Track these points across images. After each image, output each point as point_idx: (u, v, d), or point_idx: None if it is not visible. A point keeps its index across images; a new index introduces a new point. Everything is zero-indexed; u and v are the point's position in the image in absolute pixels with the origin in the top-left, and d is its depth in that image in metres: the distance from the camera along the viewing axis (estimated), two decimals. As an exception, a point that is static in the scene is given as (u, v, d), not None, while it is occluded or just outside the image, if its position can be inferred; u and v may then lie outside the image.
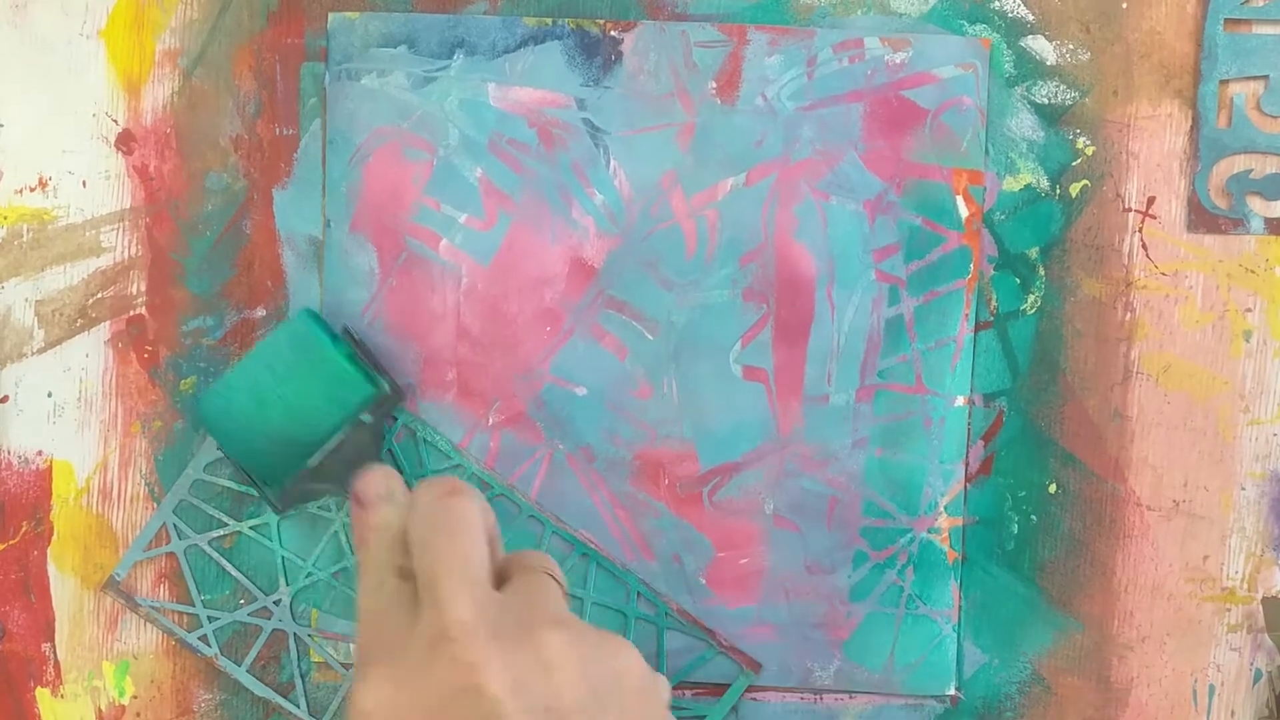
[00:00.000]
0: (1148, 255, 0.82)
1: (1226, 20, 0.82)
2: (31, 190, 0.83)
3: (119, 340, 0.84)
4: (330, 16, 0.82)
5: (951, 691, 0.83)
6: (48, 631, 0.85)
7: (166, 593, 0.85)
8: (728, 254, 0.82)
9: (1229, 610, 0.83)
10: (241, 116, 0.83)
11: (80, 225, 0.83)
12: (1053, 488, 0.83)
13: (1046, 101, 0.82)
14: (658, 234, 0.82)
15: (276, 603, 0.84)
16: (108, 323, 0.84)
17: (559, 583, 0.66)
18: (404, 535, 0.66)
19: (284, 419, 0.76)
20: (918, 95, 0.81)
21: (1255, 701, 0.84)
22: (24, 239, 0.83)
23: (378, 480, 0.71)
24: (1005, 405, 0.83)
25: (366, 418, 0.77)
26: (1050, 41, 0.82)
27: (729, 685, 0.84)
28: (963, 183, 0.81)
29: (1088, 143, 0.82)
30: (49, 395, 0.84)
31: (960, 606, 0.83)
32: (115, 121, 0.83)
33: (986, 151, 0.82)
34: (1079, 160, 0.82)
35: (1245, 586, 0.83)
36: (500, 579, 0.66)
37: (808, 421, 0.82)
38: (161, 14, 0.83)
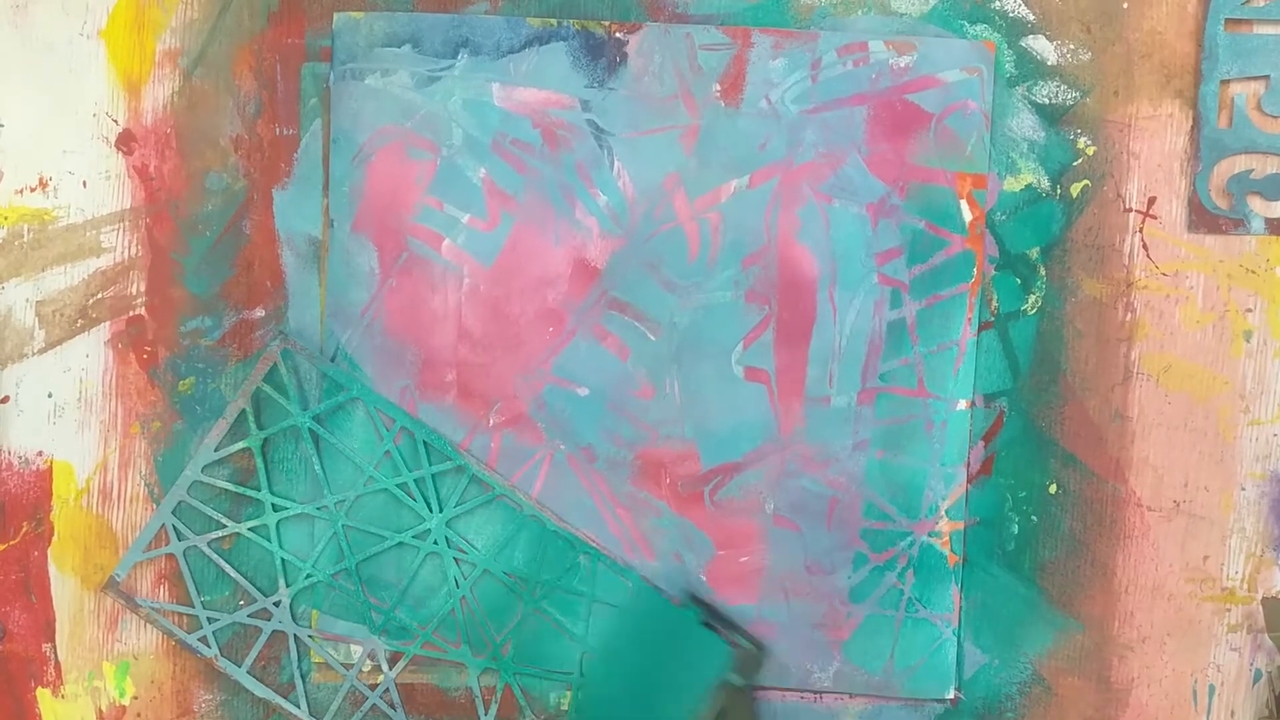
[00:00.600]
0: (1148, 255, 0.82)
1: (1227, 20, 0.81)
2: (32, 190, 0.83)
3: (119, 341, 0.84)
4: (335, 16, 0.82)
5: (951, 695, 0.84)
6: (48, 632, 0.85)
7: (166, 594, 0.85)
8: (730, 256, 0.82)
9: (1229, 610, 0.83)
10: (242, 116, 0.83)
11: (80, 225, 0.83)
12: (1053, 488, 0.83)
13: (1047, 101, 0.82)
14: (661, 235, 0.82)
15: (276, 604, 0.84)
16: (108, 323, 0.84)
17: None
18: None
19: (655, 698, 0.76)
20: (922, 99, 0.81)
21: (1255, 701, 0.84)
22: (24, 239, 0.83)
23: None
24: (1006, 406, 0.83)
25: (735, 679, 0.77)
26: (1051, 41, 0.82)
27: (730, 685, 0.84)
28: (966, 187, 0.81)
29: (1088, 143, 0.82)
30: (49, 396, 0.84)
31: (960, 609, 0.83)
32: (115, 121, 0.83)
33: (990, 155, 0.82)
34: (1080, 160, 0.82)
35: (1245, 587, 0.83)
36: None
37: (809, 423, 0.82)
38: (162, 14, 0.83)
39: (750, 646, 0.79)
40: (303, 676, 0.85)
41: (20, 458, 0.84)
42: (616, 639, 0.79)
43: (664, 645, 0.77)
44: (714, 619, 0.80)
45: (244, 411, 0.83)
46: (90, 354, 0.84)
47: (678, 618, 0.78)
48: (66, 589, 0.85)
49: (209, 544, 0.84)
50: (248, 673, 0.85)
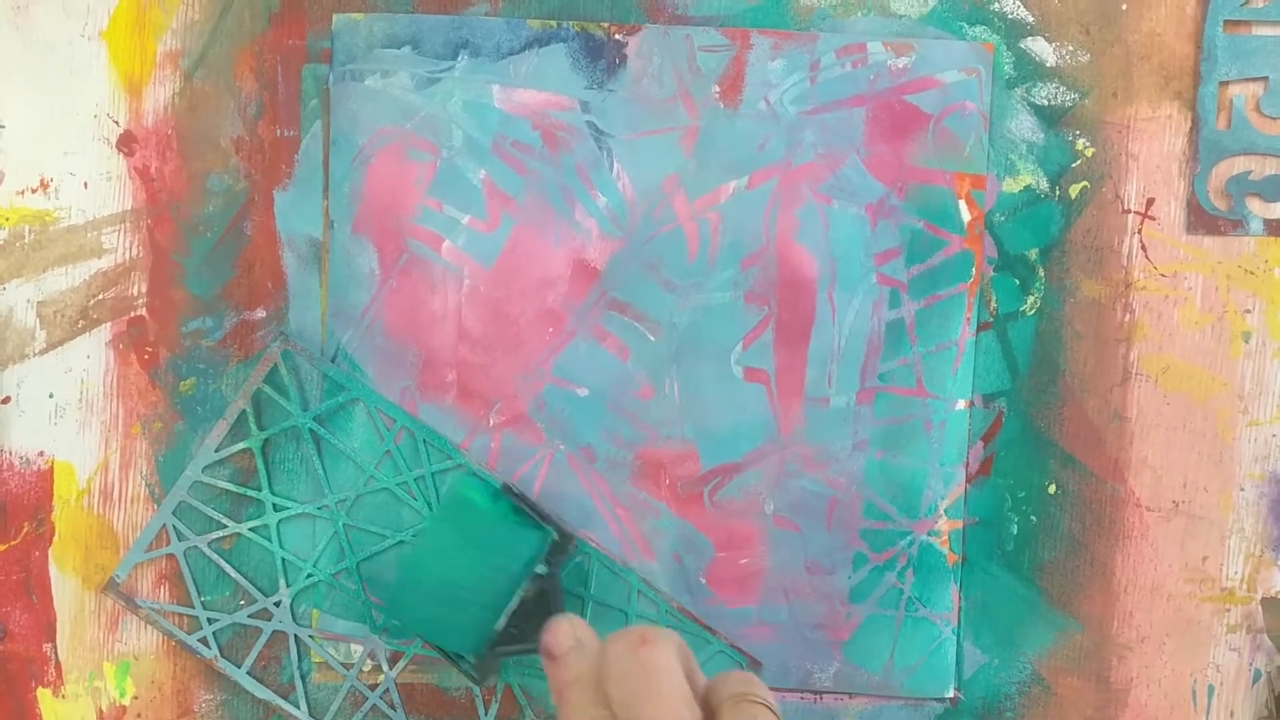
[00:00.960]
0: (1147, 257, 0.82)
1: (1226, 22, 0.82)
2: (33, 191, 0.83)
3: (120, 341, 0.84)
4: (335, 18, 0.82)
5: (951, 694, 0.84)
6: (49, 632, 0.85)
7: (167, 594, 0.85)
8: (729, 256, 0.82)
9: (1228, 611, 0.83)
10: (242, 118, 0.83)
11: (82, 226, 0.83)
12: (1052, 488, 0.83)
13: (1046, 103, 0.82)
14: (660, 236, 0.82)
15: (277, 604, 0.84)
16: (109, 324, 0.84)
17: (770, 707, 0.62)
18: (600, 685, 0.64)
19: (464, 590, 0.75)
20: (920, 100, 0.81)
21: (1255, 702, 0.84)
22: (26, 240, 0.83)
23: (564, 631, 0.69)
24: (1005, 406, 0.83)
25: (542, 569, 0.76)
26: (1050, 43, 0.82)
27: (729, 685, 0.84)
28: (965, 187, 0.81)
29: (1087, 144, 0.82)
30: (50, 396, 0.84)
31: (960, 608, 0.83)
32: (116, 123, 0.83)
33: (989, 156, 0.82)
34: (1078, 162, 0.82)
35: (1244, 587, 0.83)
36: (708, 712, 0.62)
37: (808, 423, 0.82)
38: (163, 15, 0.83)
39: (556, 535, 0.78)
40: (303, 677, 0.85)
41: (21, 458, 0.84)
42: (432, 529, 0.78)
43: (477, 534, 0.76)
44: (526, 508, 0.79)
45: (244, 412, 0.83)
46: (91, 355, 0.84)
47: (490, 508, 0.77)
48: (67, 589, 0.85)
49: (209, 544, 0.84)
50: (248, 673, 0.85)
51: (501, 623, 0.74)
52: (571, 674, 0.67)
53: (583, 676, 0.66)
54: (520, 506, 0.78)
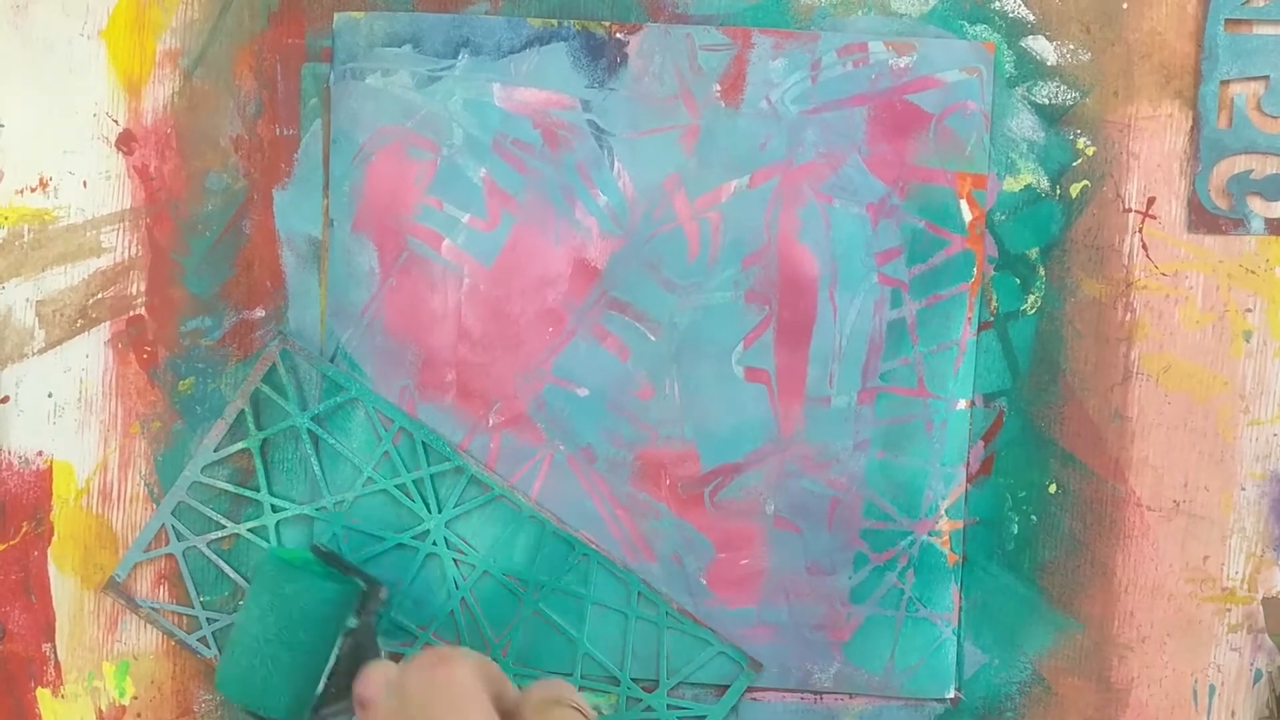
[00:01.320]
0: (1148, 256, 0.82)
1: (1227, 20, 0.81)
2: (32, 190, 0.83)
3: (119, 341, 0.84)
4: (336, 16, 0.82)
5: (951, 694, 0.83)
6: (48, 632, 0.85)
7: (166, 594, 0.85)
8: (730, 256, 0.82)
9: (1229, 610, 0.83)
10: (242, 117, 0.83)
11: (81, 225, 0.83)
12: (1053, 488, 0.83)
13: (1047, 102, 0.82)
14: (661, 235, 0.82)
15: (276, 604, 0.84)
16: (108, 323, 0.84)
17: (580, 710, 0.62)
18: (403, 712, 0.61)
19: (283, 656, 0.73)
20: (922, 99, 0.81)
21: (1255, 701, 0.84)
22: (25, 239, 0.83)
23: (375, 678, 0.67)
24: (1005, 405, 0.83)
25: (352, 622, 0.74)
26: (1051, 42, 0.82)
27: (729, 686, 0.84)
28: (966, 187, 0.81)
29: (1088, 143, 0.82)
30: (49, 396, 0.84)
31: (960, 608, 0.83)
32: (116, 122, 0.83)
33: (990, 156, 0.82)
34: (1079, 161, 0.82)
35: (1245, 587, 0.83)
36: None
37: (809, 423, 0.82)
38: (162, 14, 0.83)
39: (363, 589, 0.76)
40: (302, 677, 0.85)
41: (20, 458, 0.84)
42: (250, 600, 0.76)
43: (288, 599, 0.74)
44: (334, 564, 0.77)
45: (243, 412, 0.83)
46: (90, 354, 0.84)
47: (288, 577, 0.75)
48: (66, 589, 0.85)
49: (208, 544, 0.84)
50: (247, 673, 0.85)
51: (322, 685, 0.72)
52: (383, 715, 0.65)
53: (393, 715, 0.64)
54: (327, 564, 0.76)
